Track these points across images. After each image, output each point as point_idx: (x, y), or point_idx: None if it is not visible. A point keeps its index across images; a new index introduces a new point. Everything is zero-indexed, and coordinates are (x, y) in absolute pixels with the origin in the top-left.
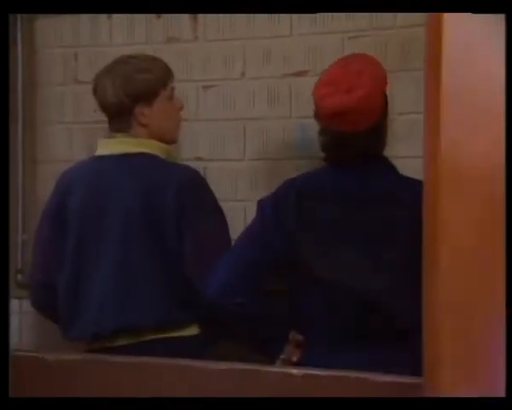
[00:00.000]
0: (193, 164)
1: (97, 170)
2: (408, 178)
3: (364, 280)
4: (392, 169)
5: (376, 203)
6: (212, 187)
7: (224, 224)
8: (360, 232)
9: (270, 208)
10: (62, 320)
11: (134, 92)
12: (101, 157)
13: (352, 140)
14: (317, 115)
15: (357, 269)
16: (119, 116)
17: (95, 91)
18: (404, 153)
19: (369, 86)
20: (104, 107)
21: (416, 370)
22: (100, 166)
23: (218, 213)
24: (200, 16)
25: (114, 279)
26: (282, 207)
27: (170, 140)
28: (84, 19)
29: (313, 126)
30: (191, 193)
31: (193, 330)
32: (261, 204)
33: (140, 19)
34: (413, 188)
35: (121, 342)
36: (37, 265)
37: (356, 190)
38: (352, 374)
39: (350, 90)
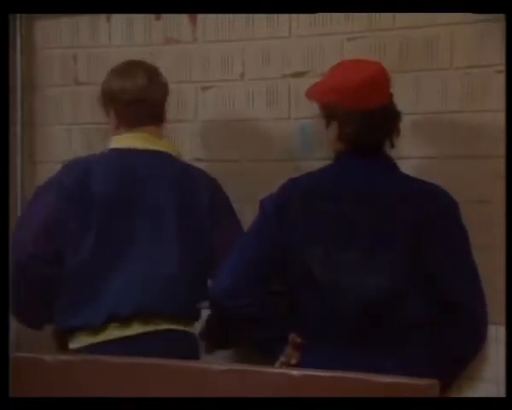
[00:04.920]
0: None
1: (123, 163)
2: (410, 177)
3: (366, 280)
4: (394, 168)
5: (379, 202)
6: None
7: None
8: (363, 232)
9: (273, 208)
10: (66, 306)
11: (167, 88)
12: (125, 151)
13: (369, 121)
14: (337, 102)
15: (358, 269)
16: (155, 111)
17: (122, 87)
18: (404, 153)
19: (378, 69)
20: (143, 100)
21: (416, 370)
22: (126, 160)
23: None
24: (200, 18)
25: (139, 266)
26: (285, 206)
27: None
28: (84, 20)
29: (313, 127)
30: (222, 195)
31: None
32: (263, 204)
33: (139, 20)
34: (416, 187)
35: (134, 329)
36: (36, 240)
37: (358, 189)
38: (352, 375)
39: (361, 70)
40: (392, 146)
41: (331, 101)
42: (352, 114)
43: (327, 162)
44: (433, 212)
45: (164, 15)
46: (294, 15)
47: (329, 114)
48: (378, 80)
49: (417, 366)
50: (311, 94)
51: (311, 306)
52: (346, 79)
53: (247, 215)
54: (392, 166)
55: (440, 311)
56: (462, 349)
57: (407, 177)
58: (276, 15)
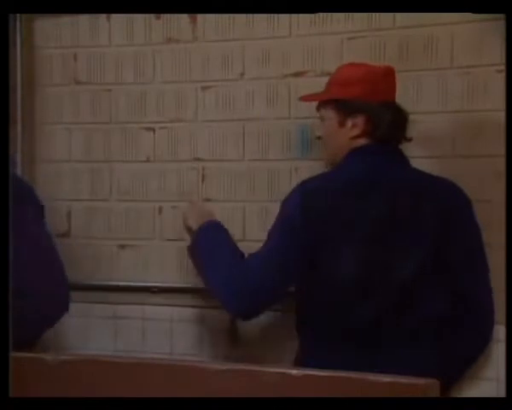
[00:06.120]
0: (192, 164)
1: None
2: (425, 172)
3: (394, 277)
4: (408, 163)
5: (405, 197)
6: (212, 187)
7: None
8: (391, 229)
9: (299, 209)
10: None
11: None
12: None
13: (395, 112)
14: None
15: (387, 266)
16: None
17: None
18: (404, 153)
19: (386, 65)
20: None
21: (429, 369)
22: None
23: None
24: (200, 17)
25: None
26: (311, 207)
27: None
28: (84, 19)
29: (312, 127)
30: None
31: None
32: (287, 206)
33: (139, 19)
34: (437, 182)
35: None
36: None
37: (384, 185)
38: (352, 375)
39: (373, 65)
40: (409, 140)
41: (362, 92)
42: (382, 104)
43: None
44: (457, 206)
45: (164, 15)
46: (294, 15)
47: (354, 108)
48: (393, 73)
49: (428, 362)
50: (323, 95)
51: (331, 305)
52: (369, 70)
53: (248, 215)
54: (407, 162)
55: (456, 306)
56: (475, 342)
57: (422, 172)
58: (276, 15)
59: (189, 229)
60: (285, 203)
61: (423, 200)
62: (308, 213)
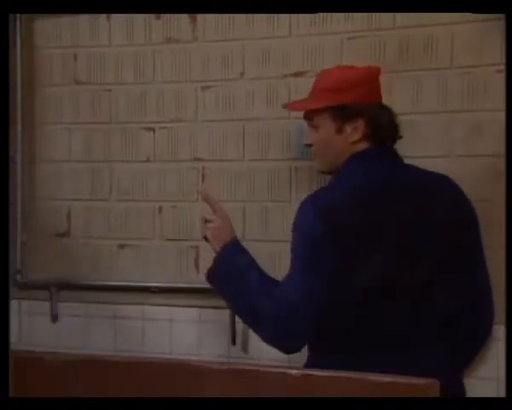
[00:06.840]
0: (192, 164)
1: None
2: (424, 169)
3: (416, 278)
4: (403, 162)
5: (418, 196)
6: (212, 187)
7: None
8: (413, 231)
9: (318, 227)
10: None
11: None
12: None
13: (390, 113)
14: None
15: (412, 267)
16: None
17: None
18: (404, 153)
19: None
20: None
21: (429, 368)
22: None
23: None
24: (200, 17)
25: None
26: (331, 222)
27: None
28: (84, 19)
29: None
30: None
31: None
32: (305, 224)
33: (139, 19)
34: (440, 178)
35: None
36: None
37: (397, 187)
38: (352, 375)
39: (359, 67)
40: (400, 138)
41: (360, 95)
42: (378, 106)
43: None
44: (459, 200)
45: (164, 15)
46: (294, 15)
47: (354, 112)
48: (380, 73)
49: (429, 361)
50: (317, 103)
51: (357, 310)
52: (363, 72)
53: (248, 215)
54: (402, 161)
55: (456, 305)
56: (473, 342)
57: (421, 169)
58: (276, 15)
59: (206, 238)
60: (301, 223)
61: (430, 198)
62: (330, 230)
